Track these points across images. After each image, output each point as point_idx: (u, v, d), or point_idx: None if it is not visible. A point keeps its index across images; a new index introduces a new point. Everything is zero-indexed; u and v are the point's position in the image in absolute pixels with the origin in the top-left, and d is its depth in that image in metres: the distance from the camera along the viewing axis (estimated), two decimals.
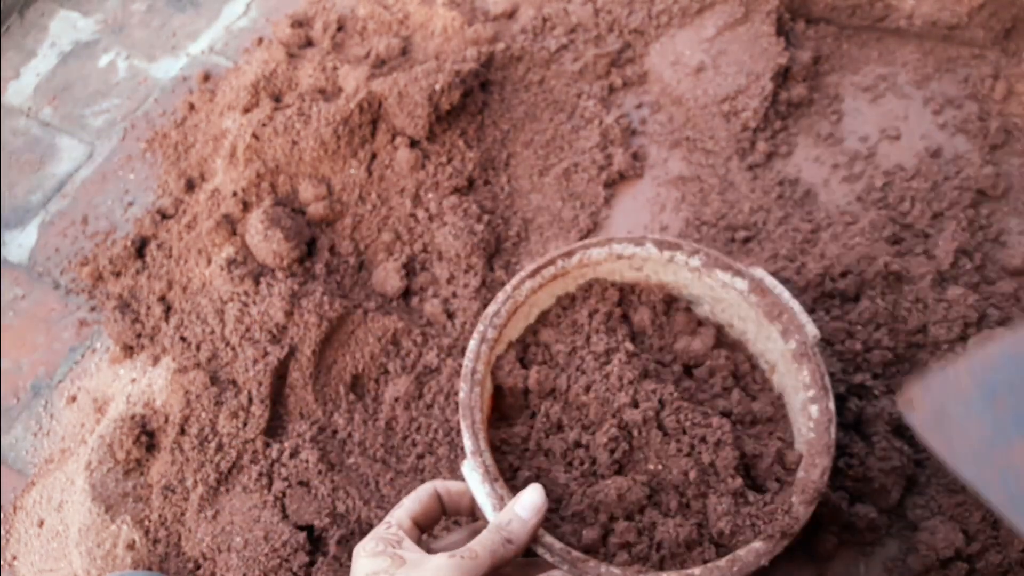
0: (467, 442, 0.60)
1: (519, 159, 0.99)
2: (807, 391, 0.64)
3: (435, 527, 0.67)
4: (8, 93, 1.19)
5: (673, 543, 0.58)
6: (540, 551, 0.56)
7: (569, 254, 0.71)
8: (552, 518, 0.60)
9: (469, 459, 0.59)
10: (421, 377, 0.84)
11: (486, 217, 0.93)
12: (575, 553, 0.56)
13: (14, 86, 1.20)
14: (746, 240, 0.90)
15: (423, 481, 0.79)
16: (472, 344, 0.66)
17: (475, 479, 0.57)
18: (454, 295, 0.89)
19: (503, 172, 0.98)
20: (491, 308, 0.67)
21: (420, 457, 0.80)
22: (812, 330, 0.65)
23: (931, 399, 0.51)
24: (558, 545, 0.56)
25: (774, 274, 0.80)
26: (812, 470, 0.61)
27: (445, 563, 0.46)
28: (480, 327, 0.67)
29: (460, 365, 0.84)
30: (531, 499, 0.53)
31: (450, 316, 0.88)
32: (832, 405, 0.63)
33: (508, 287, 0.68)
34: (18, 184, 1.10)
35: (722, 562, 0.56)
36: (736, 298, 0.69)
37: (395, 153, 0.95)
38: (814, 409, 0.64)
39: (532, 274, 0.70)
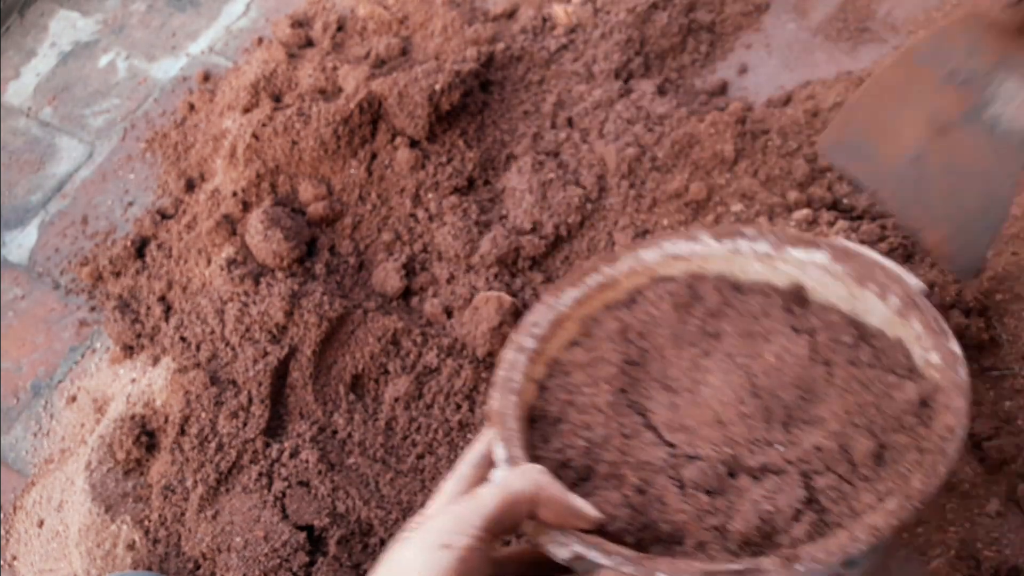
0: (499, 451, 0.51)
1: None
2: (921, 341, 0.55)
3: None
4: (8, 93, 1.19)
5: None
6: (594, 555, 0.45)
7: (612, 260, 0.62)
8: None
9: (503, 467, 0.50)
10: (421, 377, 0.84)
11: (486, 217, 0.93)
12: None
13: (14, 86, 1.20)
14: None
15: (423, 481, 0.79)
16: (509, 354, 0.59)
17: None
18: (454, 295, 0.89)
19: (503, 172, 0.98)
20: (530, 318, 0.61)
21: (420, 457, 0.80)
22: (912, 280, 0.56)
23: (841, 133, 0.71)
24: (627, 552, 0.45)
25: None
26: (946, 413, 0.50)
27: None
28: (517, 337, 0.60)
29: (460, 365, 0.84)
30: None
31: (450, 316, 0.88)
32: (955, 346, 0.53)
33: (550, 299, 0.62)
34: (18, 184, 1.10)
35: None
36: (819, 275, 0.60)
37: (395, 153, 0.95)
38: (934, 356, 0.54)
39: (575, 284, 0.62)
